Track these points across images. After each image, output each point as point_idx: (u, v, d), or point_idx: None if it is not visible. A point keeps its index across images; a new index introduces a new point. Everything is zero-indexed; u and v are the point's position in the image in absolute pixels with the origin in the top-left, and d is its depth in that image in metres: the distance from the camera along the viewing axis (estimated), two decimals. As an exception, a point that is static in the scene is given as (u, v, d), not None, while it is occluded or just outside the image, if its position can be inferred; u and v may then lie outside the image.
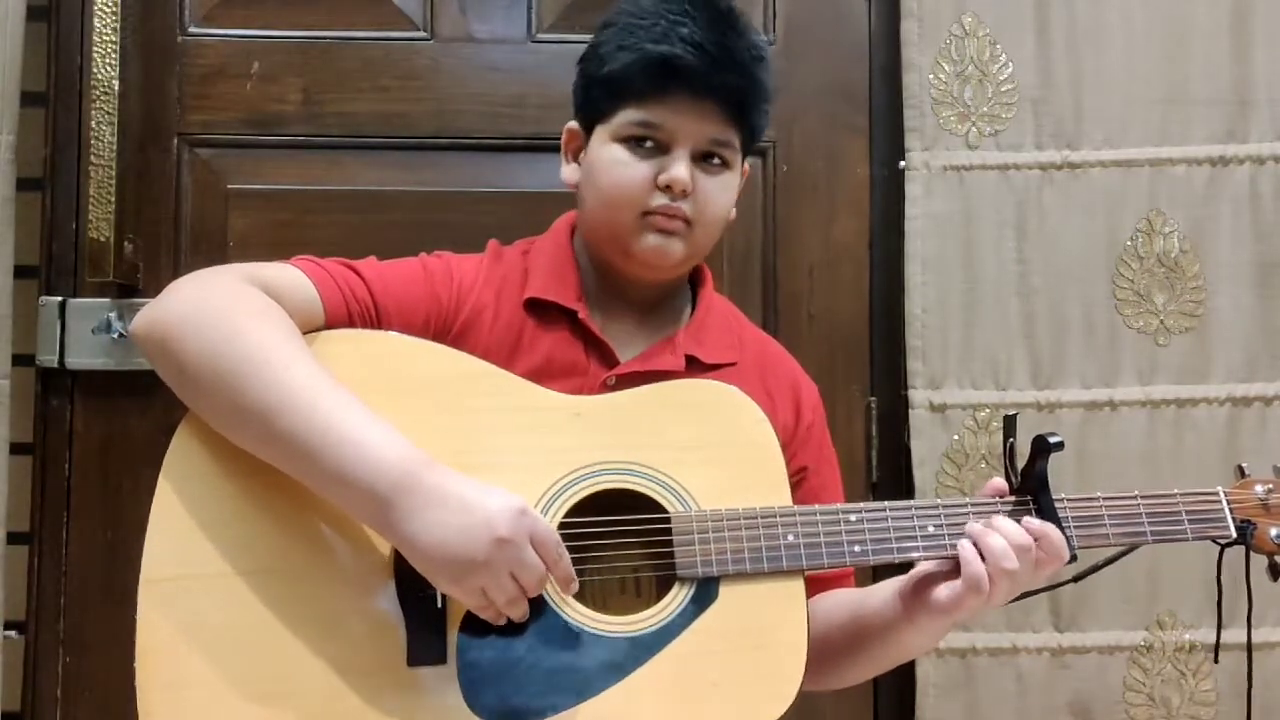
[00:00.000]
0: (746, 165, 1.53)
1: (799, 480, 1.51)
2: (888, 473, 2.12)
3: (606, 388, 1.44)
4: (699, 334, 1.51)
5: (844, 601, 1.48)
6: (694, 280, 1.58)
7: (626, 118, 1.43)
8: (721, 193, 1.46)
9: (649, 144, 1.42)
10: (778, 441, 1.37)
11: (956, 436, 2.05)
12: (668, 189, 1.41)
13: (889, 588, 1.42)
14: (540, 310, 1.46)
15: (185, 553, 1.26)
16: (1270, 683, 1.99)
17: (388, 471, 1.21)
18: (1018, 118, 2.09)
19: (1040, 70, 2.09)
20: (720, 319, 1.56)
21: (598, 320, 1.48)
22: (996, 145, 2.08)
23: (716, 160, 1.45)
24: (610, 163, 1.43)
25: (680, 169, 1.41)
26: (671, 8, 1.42)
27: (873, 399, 2.13)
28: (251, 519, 1.28)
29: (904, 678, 2.05)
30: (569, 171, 1.53)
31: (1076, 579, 1.52)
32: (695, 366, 1.48)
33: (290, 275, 1.36)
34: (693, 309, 1.55)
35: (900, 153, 2.10)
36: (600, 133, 1.45)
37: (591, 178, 1.46)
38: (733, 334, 1.56)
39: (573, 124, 1.51)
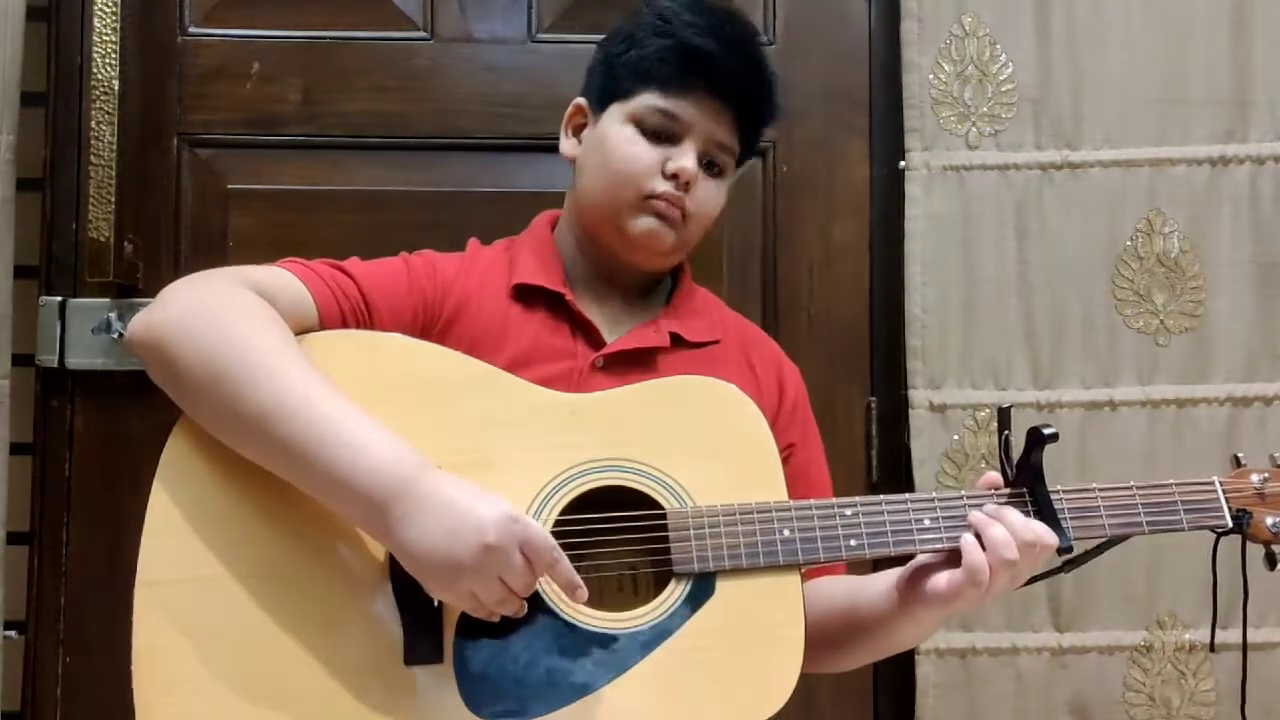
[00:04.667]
0: None
1: (786, 457, 1.51)
2: (888, 473, 2.11)
3: (595, 369, 1.46)
4: (681, 314, 1.55)
5: (840, 589, 1.49)
6: (674, 268, 1.61)
7: (647, 101, 1.47)
8: (716, 196, 1.52)
9: (662, 133, 1.47)
10: (773, 437, 1.37)
11: (956, 436, 2.05)
12: (674, 177, 1.45)
13: (886, 579, 1.42)
14: (526, 296, 1.49)
15: (181, 555, 1.26)
16: (1271, 682, 1.98)
17: (383, 477, 1.21)
18: (1017, 118, 2.08)
19: (1040, 70, 2.09)
20: (700, 302, 1.60)
21: (583, 304, 1.50)
22: (996, 145, 2.08)
23: (716, 166, 1.51)
24: (622, 140, 1.48)
25: (689, 160, 1.46)
26: (704, 19, 1.48)
27: (873, 399, 2.13)
28: (247, 520, 1.28)
29: (904, 678, 2.05)
30: (568, 145, 1.57)
31: (1066, 568, 1.47)
32: (680, 344, 1.51)
33: (282, 278, 1.36)
34: (671, 294, 1.59)
35: (900, 153, 2.10)
36: (616, 110, 1.49)
37: (600, 152, 1.50)
38: (714, 315, 1.60)
39: (581, 100, 1.55)
